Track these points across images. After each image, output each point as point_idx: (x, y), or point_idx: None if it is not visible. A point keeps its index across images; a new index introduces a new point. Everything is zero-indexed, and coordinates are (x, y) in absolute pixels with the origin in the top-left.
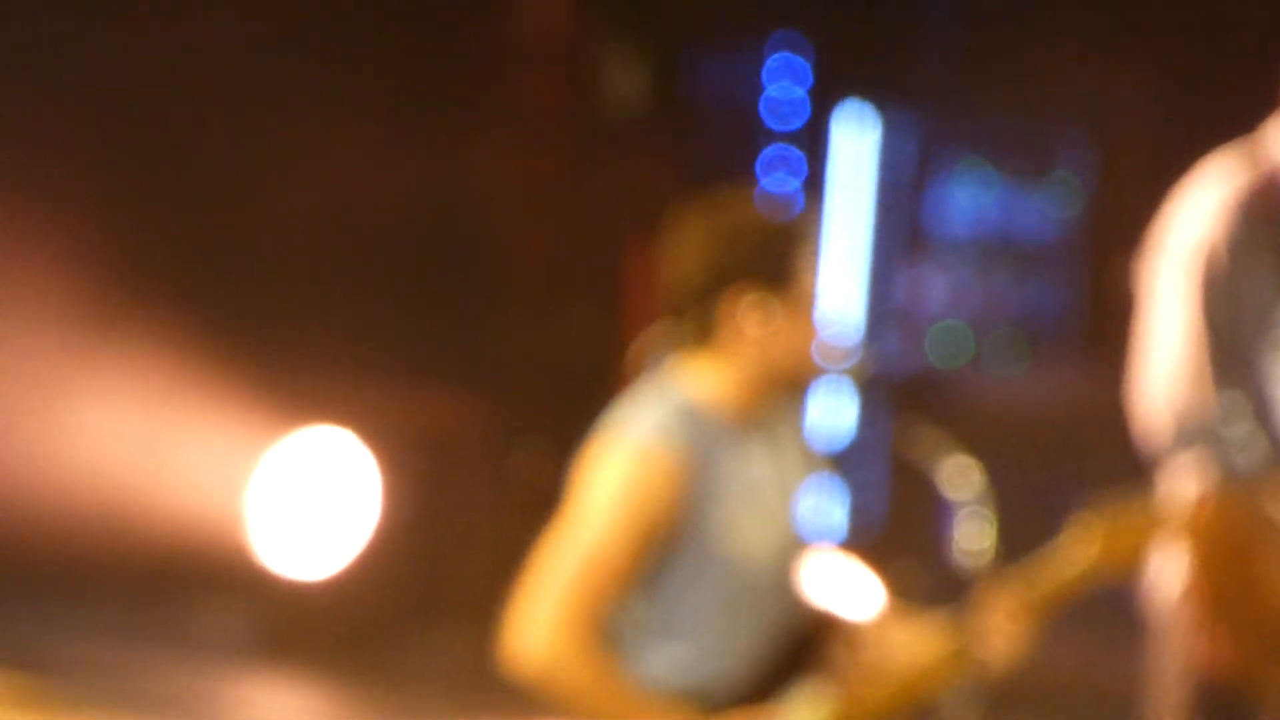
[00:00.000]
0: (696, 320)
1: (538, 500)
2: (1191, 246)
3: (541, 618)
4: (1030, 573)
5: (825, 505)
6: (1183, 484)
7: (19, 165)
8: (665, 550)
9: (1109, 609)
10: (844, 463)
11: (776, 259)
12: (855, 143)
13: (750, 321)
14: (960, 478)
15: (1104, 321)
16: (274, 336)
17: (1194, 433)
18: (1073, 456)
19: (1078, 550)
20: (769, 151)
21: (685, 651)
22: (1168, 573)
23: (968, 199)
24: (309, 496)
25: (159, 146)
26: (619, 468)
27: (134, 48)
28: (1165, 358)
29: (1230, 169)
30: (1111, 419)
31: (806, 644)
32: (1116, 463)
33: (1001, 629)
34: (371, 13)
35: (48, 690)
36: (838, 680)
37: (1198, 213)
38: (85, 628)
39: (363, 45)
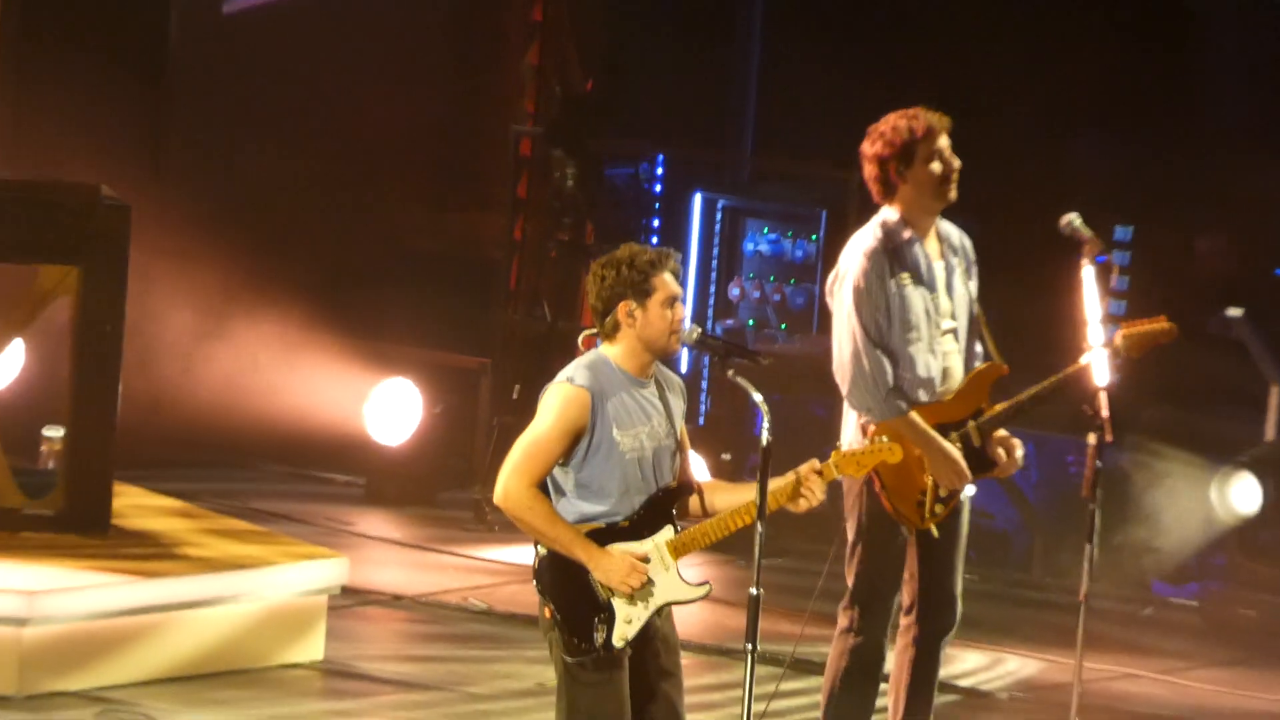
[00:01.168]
0: (605, 323)
1: (523, 415)
2: (848, 277)
3: (509, 476)
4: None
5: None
6: (861, 419)
7: (237, 215)
8: (580, 443)
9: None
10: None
11: (640, 285)
12: (694, 214)
13: (631, 321)
14: (758, 400)
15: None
16: (372, 325)
17: (864, 390)
18: (811, 390)
19: (832, 461)
20: (646, 218)
21: (592, 505)
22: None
23: (756, 244)
24: (389, 409)
25: (313, 214)
26: (554, 395)
27: (294, 150)
28: (843, 347)
29: (867, 230)
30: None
31: (669, 501)
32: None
33: (781, 493)
34: (421, 143)
35: (242, 520)
36: (685, 521)
37: (850, 257)
38: (265, 488)
39: (417, 158)
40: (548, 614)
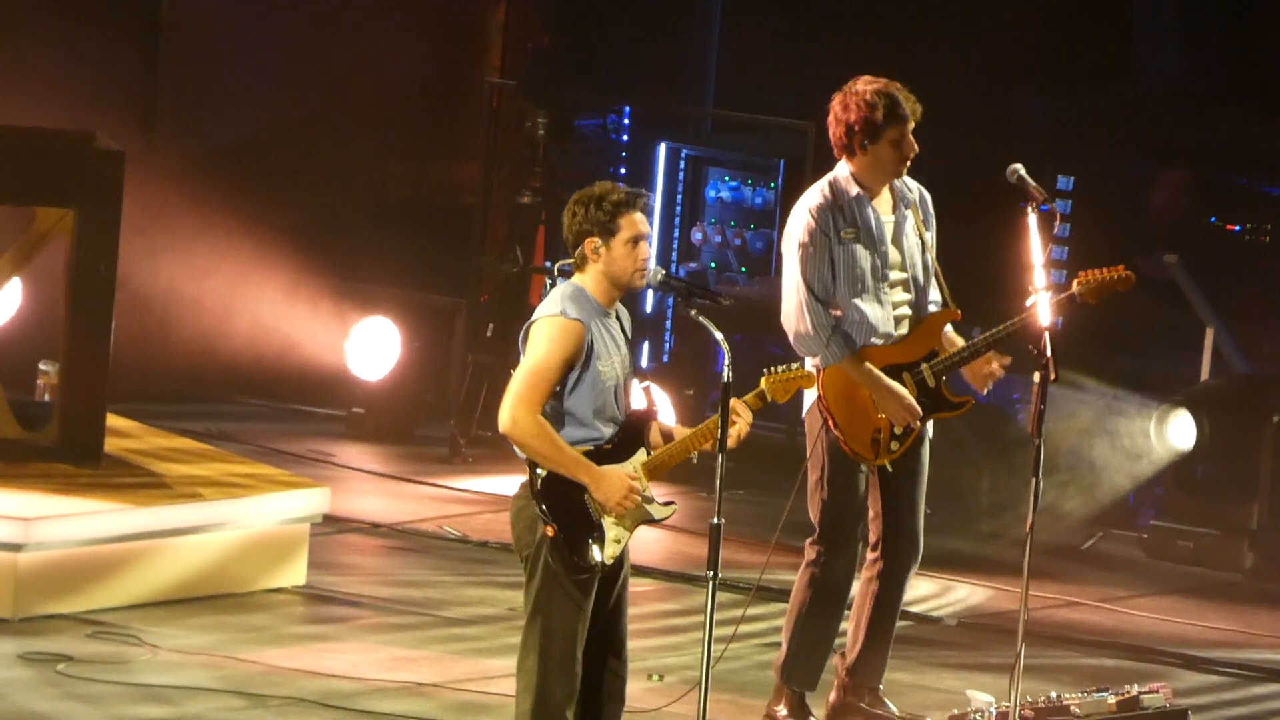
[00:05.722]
0: (576, 257)
1: (496, 353)
2: (796, 233)
3: (515, 405)
4: (745, 397)
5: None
6: (809, 362)
7: (217, 173)
8: (571, 371)
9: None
10: (650, 327)
11: (606, 224)
12: (659, 162)
13: (596, 257)
14: (719, 339)
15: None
16: (353, 268)
17: (808, 339)
18: (769, 330)
19: (762, 387)
20: (613, 167)
21: (577, 431)
22: (811, 404)
23: (718, 191)
24: (369, 347)
25: (297, 162)
26: (551, 327)
27: (281, 102)
28: (789, 300)
29: (815, 188)
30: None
31: (639, 425)
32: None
33: (730, 421)
34: (401, 97)
35: (229, 451)
36: (651, 446)
37: (798, 215)
38: (251, 422)
39: (397, 110)
40: (549, 533)
